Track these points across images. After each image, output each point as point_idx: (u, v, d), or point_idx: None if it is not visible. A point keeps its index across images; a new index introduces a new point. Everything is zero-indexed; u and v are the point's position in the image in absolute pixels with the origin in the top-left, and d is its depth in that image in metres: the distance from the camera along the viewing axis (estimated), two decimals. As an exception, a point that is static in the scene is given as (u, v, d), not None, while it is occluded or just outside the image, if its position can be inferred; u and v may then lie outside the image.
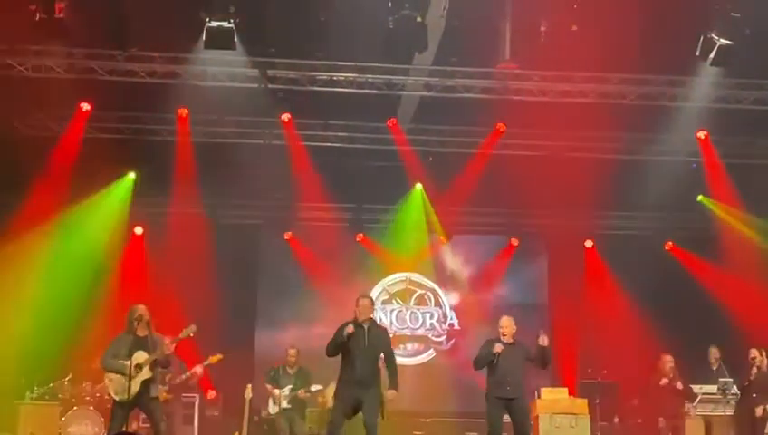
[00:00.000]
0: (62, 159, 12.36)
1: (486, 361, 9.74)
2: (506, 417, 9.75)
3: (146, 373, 9.04)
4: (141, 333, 9.17)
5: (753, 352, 11.37)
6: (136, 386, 9.02)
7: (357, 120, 12.86)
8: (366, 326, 9.35)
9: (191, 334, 9.60)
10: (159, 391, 9.58)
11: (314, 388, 11.95)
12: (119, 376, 9.01)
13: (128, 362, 8.93)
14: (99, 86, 11.55)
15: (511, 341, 9.78)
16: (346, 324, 9.45)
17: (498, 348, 9.65)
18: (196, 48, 10.92)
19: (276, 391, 11.92)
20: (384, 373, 9.45)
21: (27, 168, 11.93)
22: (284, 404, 11.91)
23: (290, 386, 11.96)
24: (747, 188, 13.22)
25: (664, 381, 11.42)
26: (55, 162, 12.34)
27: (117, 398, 9.00)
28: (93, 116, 12.48)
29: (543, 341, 9.56)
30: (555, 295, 15.03)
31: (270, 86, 11.79)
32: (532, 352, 9.74)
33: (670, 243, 14.67)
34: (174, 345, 9.30)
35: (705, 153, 13.04)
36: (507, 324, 9.85)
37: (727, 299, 13.33)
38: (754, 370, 11.35)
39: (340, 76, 11.67)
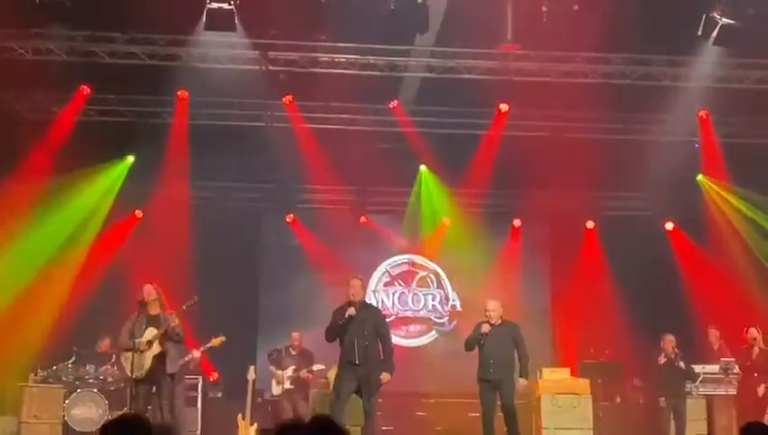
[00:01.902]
0: (58, 139, 12.33)
1: (474, 342, 9.95)
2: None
3: (156, 348, 9.28)
4: (153, 311, 9.39)
5: (753, 332, 11.42)
6: (148, 362, 9.28)
7: (358, 101, 12.83)
8: (358, 308, 9.44)
9: (193, 304, 9.78)
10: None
11: (316, 367, 12.01)
12: (133, 354, 9.19)
13: (139, 340, 9.15)
14: (99, 69, 11.53)
15: (498, 322, 9.93)
16: (340, 308, 9.53)
17: (485, 328, 9.81)
18: (197, 30, 10.88)
19: (279, 372, 11.98)
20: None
21: (27, 150, 11.91)
22: (287, 385, 11.99)
23: (293, 367, 12.03)
24: (749, 168, 13.20)
25: (662, 359, 11.44)
26: (51, 144, 12.32)
27: (133, 375, 9.17)
28: (94, 99, 12.46)
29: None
30: (557, 276, 15.04)
31: (271, 68, 11.76)
32: (519, 344, 9.88)
33: (671, 223, 14.66)
34: (178, 319, 9.45)
35: (703, 133, 13.02)
36: (493, 307, 10.06)
37: (726, 279, 13.34)
38: (756, 350, 11.40)
39: (342, 58, 11.63)
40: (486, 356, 9.87)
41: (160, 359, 9.37)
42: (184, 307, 9.70)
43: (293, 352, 12.27)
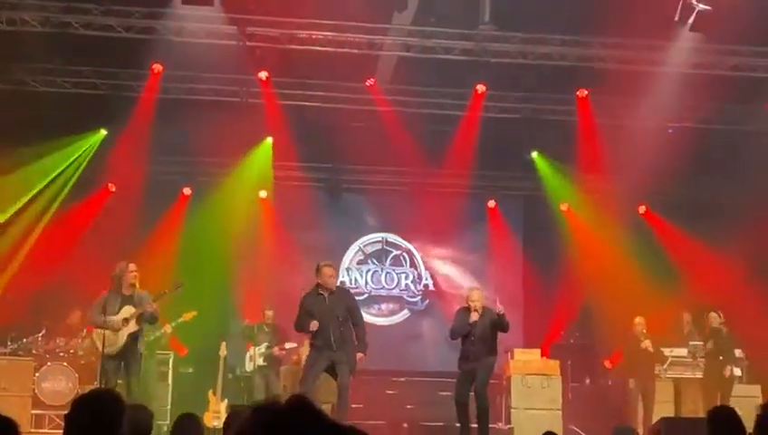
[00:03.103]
0: (30, 110, 12.20)
1: (463, 332, 9.88)
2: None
3: (132, 327, 9.39)
4: (127, 290, 9.47)
5: (713, 316, 11.66)
6: (122, 340, 9.41)
7: (335, 79, 12.77)
8: (328, 293, 9.47)
9: (179, 288, 9.95)
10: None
11: (289, 345, 12.05)
12: (106, 331, 9.27)
13: (114, 318, 9.23)
14: (74, 40, 11.40)
15: (480, 312, 9.92)
16: (308, 296, 9.55)
17: (474, 317, 9.77)
18: (174, 3, 10.76)
19: (252, 349, 12.01)
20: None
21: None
22: (260, 362, 12.01)
23: (266, 344, 12.05)
24: (720, 154, 13.32)
25: (645, 343, 11.63)
26: (24, 115, 12.18)
27: (105, 351, 9.25)
28: (68, 70, 12.32)
29: (500, 309, 9.67)
30: (530, 257, 15.13)
31: (248, 44, 11.67)
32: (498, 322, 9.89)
33: (644, 207, 14.78)
34: (156, 303, 9.55)
35: (683, 119, 13.10)
36: (478, 297, 9.99)
37: (698, 263, 13.48)
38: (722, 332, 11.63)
39: (319, 35, 11.56)
40: (467, 350, 9.86)
41: (134, 337, 9.51)
42: (167, 291, 9.85)
43: (267, 329, 12.29)
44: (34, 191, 13.11)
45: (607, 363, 12.92)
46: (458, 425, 9.93)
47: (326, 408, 9.99)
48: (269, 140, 14.00)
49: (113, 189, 14.08)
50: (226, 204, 14.24)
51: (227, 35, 11.50)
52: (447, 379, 10.88)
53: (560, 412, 11.24)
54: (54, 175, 13.22)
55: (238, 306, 14.00)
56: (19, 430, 2.96)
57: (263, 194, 14.75)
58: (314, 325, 9.33)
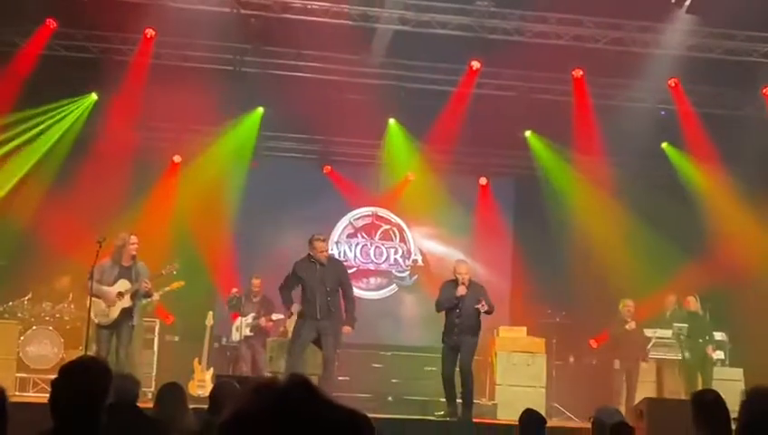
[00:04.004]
0: (20, 74, 12.06)
1: (450, 305, 9.90)
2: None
3: (126, 302, 9.46)
4: (126, 262, 9.55)
5: (691, 300, 11.83)
6: (116, 313, 9.54)
7: (330, 50, 12.68)
8: (320, 263, 9.52)
9: (173, 272, 10.11)
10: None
11: (276, 316, 12.06)
12: (100, 301, 9.32)
13: (110, 289, 9.30)
14: (66, 2, 11.27)
15: (467, 286, 9.94)
16: (300, 263, 9.60)
17: (461, 291, 9.78)
18: (169, -32, 10.68)
19: (239, 319, 12.02)
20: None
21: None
22: (247, 332, 12.02)
23: (253, 314, 12.06)
24: (713, 138, 13.33)
25: (631, 325, 11.74)
26: (13, 76, 12.04)
27: (97, 321, 9.36)
28: (60, 33, 12.18)
29: (482, 307, 9.70)
30: (520, 235, 15.14)
31: (242, 11, 11.57)
32: (485, 298, 9.90)
33: (635, 189, 14.77)
34: (151, 282, 9.77)
35: (677, 102, 13.08)
36: (465, 270, 10.00)
37: (687, 246, 13.52)
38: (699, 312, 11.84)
39: (315, 5, 11.47)
40: (452, 321, 9.89)
41: (127, 311, 9.65)
42: (163, 272, 10.00)
43: (254, 299, 12.29)
44: (25, 156, 12.97)
45: (592, 343, 13.00)
46: (443, 399, 9.99)
47: (312, 380, 10.03)
48: (260, 109, 13.92)
49: (103, 154, 13.96)
50: (215, 173, 14.18)
51: (222, 2, 11.40)
52: (433, 354, 10.92)
53: (543, 390, 11.33)
54: (45, 138, 13.07)
55: (225, 275, 13.97)
56: (6, 395, 2.93)
57: (251, 164, 14.66)
58: (296, 307, 9.48)
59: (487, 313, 9.87)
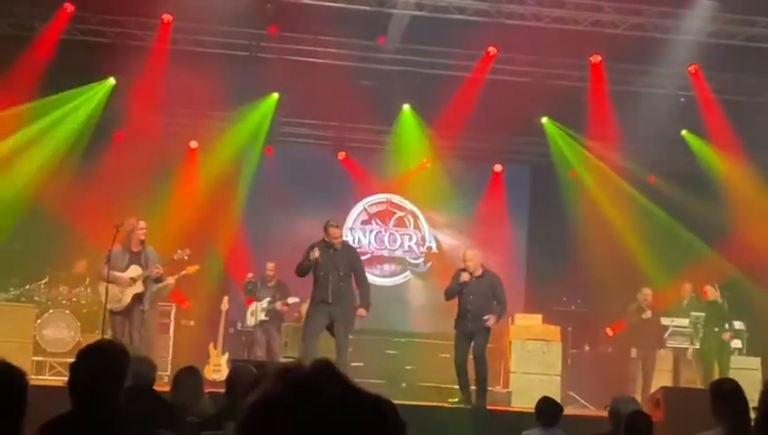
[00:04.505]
0: (39, 59, 12.05)
1: (454, 292, 9.93)
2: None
3: (138, 287, 9.58)
4: (135, 247, 9.62)
5: (709, 289, 11.76)
6: (127, 298, 9.65)
7: (346, 36, 12.62)
8: (333, 248, 9.51)
9: (185, 257, 10.18)
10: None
11: (291, 300, 12.07)
12: (112, 286, 9.40)
13: (122, 275, 9.38)
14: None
15: (479, 274, 9.91)
16: (314, 246, 9.60)
17: (465, 277, 9.79)
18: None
19: (256, 304, 12.04)
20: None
21: (8, 66, 11.64)
22: (262, 316, 12.04)
23: (268, 299, 12.07)
24: (733, 124, 13.21)
25: (647, 313, 11.69)
26: (32, 62, 12.03)
27: (109, 307, 9.43)
28: (76, 17, 12.17)
29: (490, 322, 9.67)
30: (535, 224, 15.09)
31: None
32: (498, 291, 9.90)
33: (652, 176, 14.69)
34: (163, 267, 9.97)
35: (697, 88, 12.96)
36: (471, 257, 10.01)
37: (706, 235, 13.44)
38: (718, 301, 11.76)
39: (332, -11, 11.42)
40: (465, 309, 9.88)
41: (139, 296, 9.75)
42: (174, 257, 10.07)
43: (269, 284, 12.29)
44: (45, 141, 12.95)
45: (608, 331, 12.95)
46: (458, 387, 9.98)
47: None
48: (275, 95, 13.89)
49: (120, 139, 13.98)
50: (231, 158, 14.19)
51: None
52: (447, 341, 10.91)
53: (558, 378, 11.28)
54: (65, 123, 13.04)
55: (240, 260, 13.99)
56: (26, 379, 2.93)
57: (265, 150, 14.66)
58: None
59: (498, 317, 9.89)
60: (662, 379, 11.70)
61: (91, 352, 3.40)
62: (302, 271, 9.82)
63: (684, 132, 14.13)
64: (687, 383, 11.65)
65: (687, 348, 12.18)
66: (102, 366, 3.32)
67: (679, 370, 12.10)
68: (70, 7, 11.94)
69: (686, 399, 8.86)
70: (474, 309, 9.81)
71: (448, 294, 10.05)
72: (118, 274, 9.54)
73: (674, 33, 11.91)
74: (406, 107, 14.27)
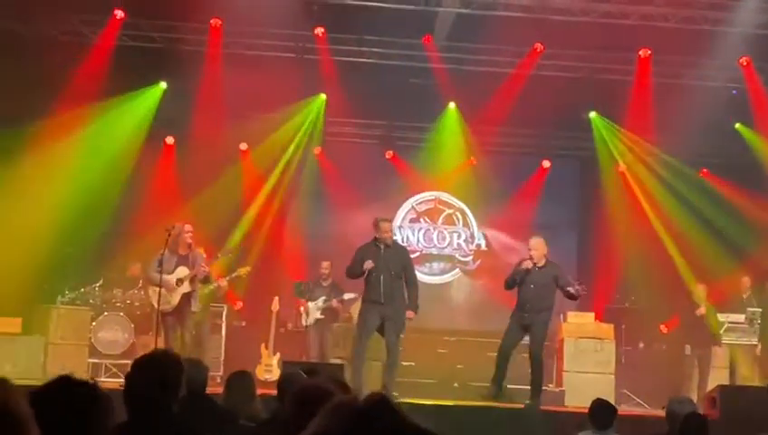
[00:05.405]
0: (94, 67, 12.24)
1: (516, 280, 9.77)
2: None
3: (185, 287, 9.71)
4: (183, 250, 9.75)
5: None
6: (176, 299, 9.75)
7: (391, 35, 12.62)
8: (384, 246, 9.50)
9: (229, 255, 10.34)
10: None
11: (347, 296, 12.08)
12: (161, 289, 9.55)
13: (169, 277, 9.52)
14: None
15: (542, 263, 9.76)
16: (365, 247, 9.60)
17: (528, 264, 9.65)
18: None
19: (310, 304, 12.09)
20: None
21: (58, 73, 11.84)
22: (318, 315, 12.08)
23: (323, 297, 12.11)
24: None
25: (701, 310, 11.51)
26: (87, 69, 12.23)
27: (160, 308, 9.64)
28: (127, 23, 12.33)
29: (581, 291, 9.54)
30: (586, 220, 14.94)
31: (305, -2, 11.60)
32: (562, 279, 9.75)
33: (705, 170, 14.45)
34: (209, 268, 10.04)
35: (748, 80, 12.73)
36: (537, 245, 9.82)
37: (760, 227, 13.19)
38: None
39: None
40: (524, 300, 9.74)
41: (188, 297, 9.83)
42: (220, 255, 10.21)
43: (324, 284, 12.32)
44: (100, 146, 13.11)
45: (663, 328, 12.77)
46: (511, 386, 9.90)
47: (376, 366, 10.05)
48: (322, 96, 13.94)
49: (171, 142, 14.14)
50: (280, 159, 14.28)
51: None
52: (497, 339, 10.80)
53: (612, 376, 11.14)
54: (117, 128, 13.18)
55: (291, 260, 14.07)
56: (97, 387, 2.77)
57: (316, 150, 14.73)
58: (369, 264, 9.38)
59: (573, 296, 9.73)
60: (718, 376, 11.50)
61: (145, 363, 3.45)
62: (352, 275, 9.84)
63: (738, 125, 13.87)
64: (744, 381, 11.43)
65: (744, 344, 11.94)
66: (157, 377, 3.37)
67: (736, 367, 11.87)
68: (120, 14, 12.10)
69: (743, 398, 8.71)
70: (533, 299, 9.67)
71: (509, 283, 9.86)
72: (166, 276, 9.63)
73: (724, 26, 11.70)
74: (451, 105, 14.20)
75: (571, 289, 9.67)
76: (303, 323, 12.27)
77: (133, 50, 12.48)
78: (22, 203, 11.60)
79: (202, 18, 12.17)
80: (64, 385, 2.59)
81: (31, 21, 12.05)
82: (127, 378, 3.46)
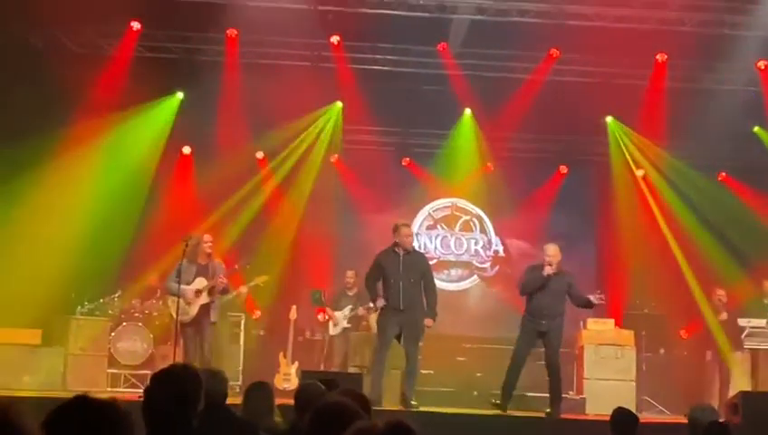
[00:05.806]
0: (111, 78, 12.30)
1: (536, 285, 9.67)
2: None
3: (204, 298, 9.68)
4: (202, 260, 9.77)
5: None
6: (195, 310, 9.77)
7: (406, 43, 12.62)
8: (404, 252, 9.49)
9: (247, 266, 10.32)
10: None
11: (380, 303, 12.04)
12: (180, 300, 9.57)
13: (188, 288, 9.55)
14: (148, 3, 11.45)
15: (556, 271, 9.72)
16: (384, 253, 9.59)
17: (549, 270, 9.59)
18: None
19: (337, 313, 12.08)
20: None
21: (75, 85, 11.90)
22: (345, 324, 12.09)
23: (350, 306, 12.10)
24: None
25: (723, 315, 11.40)
26: (105, 81, 12.29)
27: (178, 319, 9.62)
28: (143, 35, 12.39)
29: (598, 300, 9.47)
30: (604, 225, 14.85)
31: (320, 8, 11.60)
32: (575, 287, 9.70)
33: (724, 173, 14.35)
34: (227, 277, 10.03)
35: (766, 83, 12.63)
36: (554, 253, 9.76)
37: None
38: None
39: (391, -1, 11.42)
40: (540, 307, 9.67)
41: (206, 308, 9.85)
42: (236, 266, 10.23)
43: (350, 293, 12.30)
44: (119, 157, 13.15)
45: (683, 333, 12.67)
46: (529, 394, 9.85)
47: (395, 374, 10.02)
48: (339, 104, 13.95)
49: (188, 152, 14.18)
50: (296, 167, 14.29)
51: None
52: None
53: (633, 383, 11.07)
54: (134, 138, 13.22)
55: (309, 269, 14.07)
56: (117, 408, 2.73)
57: (333, 158, 14.74)
58: (380, 302, 9.44)
59: (589, 305, 9.68)
60: (740, 382, 11.39)
61: (164, 377, 3.44)
62: (369, 283, 9.86)
63: (756, 129, 13.77)
64: (767, 387, 11.30)
65: (766, 350, 11.81)
66: (176, 391, 3.36)
67: (758, 373, 11.74)
68: (136, 26, 12.15)
69: (766, 404, 8.62)
70: (550, 305, 9.63)
71: (528, 287, 9.75)
72: (184, 287, 9.64)
73: (741, 29, 11.62)
74: (467, 111, 14.17)
75: (591, 297, 9.61)
76: (330, 332, 12.26)
77: (150, 61, 12.53)
78: (41, 215, 11.65)
79: (218, 28, 12.20)
80: (81, 405, 2.56)
81: (48, 35, 12.13)
82: (145, 392, 3.45)
